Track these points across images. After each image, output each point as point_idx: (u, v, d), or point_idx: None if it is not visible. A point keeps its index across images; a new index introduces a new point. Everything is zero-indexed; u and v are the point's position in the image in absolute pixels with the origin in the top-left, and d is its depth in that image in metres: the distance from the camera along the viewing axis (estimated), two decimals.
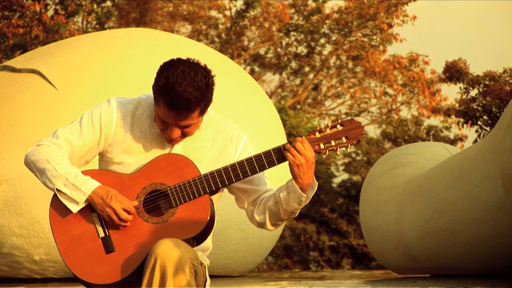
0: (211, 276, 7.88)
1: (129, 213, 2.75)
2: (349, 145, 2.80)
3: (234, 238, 7.75)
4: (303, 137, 2.82)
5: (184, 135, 2.84)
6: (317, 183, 2.84)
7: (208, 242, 2.93)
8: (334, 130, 2.81)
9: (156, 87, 2.78)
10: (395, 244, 7.62)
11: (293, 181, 2.80)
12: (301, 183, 2.78)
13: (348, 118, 2.86)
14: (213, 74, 2.83)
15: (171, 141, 2.85)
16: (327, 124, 2.84)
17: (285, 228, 17.96)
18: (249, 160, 2.79)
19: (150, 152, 2.87)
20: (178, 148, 2.89)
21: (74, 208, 2.77)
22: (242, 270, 8.22)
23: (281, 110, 17.48)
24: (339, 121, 2.83)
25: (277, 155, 2.80)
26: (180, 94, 2.71)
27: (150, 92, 2.93)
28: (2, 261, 7.14)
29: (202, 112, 2.83)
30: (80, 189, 2.76)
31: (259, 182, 2.92)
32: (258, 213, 2.91)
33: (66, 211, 2.80)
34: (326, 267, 19.45)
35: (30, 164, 2.85)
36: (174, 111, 2.74)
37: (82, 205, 2.77)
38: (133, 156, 2.86)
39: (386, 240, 7.74)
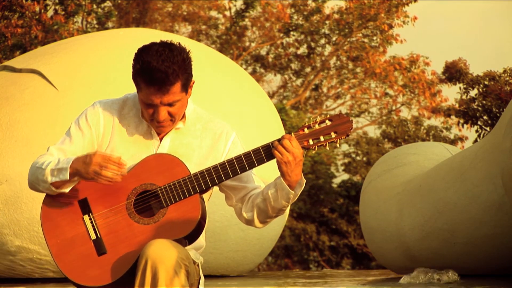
0: (211, 276, 7.89)
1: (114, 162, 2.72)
2: (338, 140, 2.78)
3: (234, 238, 7.75)
4: (292, 133, 2.80)
5: (172, 117, 2.81)
6: (305, 180, 2.82)
7: (201, 240, 2.92)
8: (322, 125, 2.79)
9: (135, 72, 2.78)
10: (395, 244, 7.62)
11: (281, 179, 2.78)
12: (289, 180, 2.76)
13: (337, 113, 2.84)
14: (188, 50, 2.81)
15: (161, 126, 2.82)
16: (316, 119, 2.82)
17: (285, 228, 17.96)
18: (238, 158, 2.78)
19: (137, 150, 2.85)
20: (166, 144, 2.87)
21: (67, 188, 2.75)
22: (242, 270, 8.22)
23: (281, 110, 17.48)
24: (328, 116, 2.81)
25: (266, 153, 2.79)
26: (157, 68, 2.71)
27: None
28: (2, 261, 7.14)
29: (185, 88, 2.79)
30: (62, 168, 2.74)
31: (248, 179, 2.90)
32: (246, 210, 2.90)
33: (57, 214, 2.79)
34: (326, 267, 19.46)
35: (30, 183, 2.84)
36: (155, 86, 2.72)
37: (70, 182, 2.75)
38: (121, 155, 2.84)
39: (386, 240, 7.74)
